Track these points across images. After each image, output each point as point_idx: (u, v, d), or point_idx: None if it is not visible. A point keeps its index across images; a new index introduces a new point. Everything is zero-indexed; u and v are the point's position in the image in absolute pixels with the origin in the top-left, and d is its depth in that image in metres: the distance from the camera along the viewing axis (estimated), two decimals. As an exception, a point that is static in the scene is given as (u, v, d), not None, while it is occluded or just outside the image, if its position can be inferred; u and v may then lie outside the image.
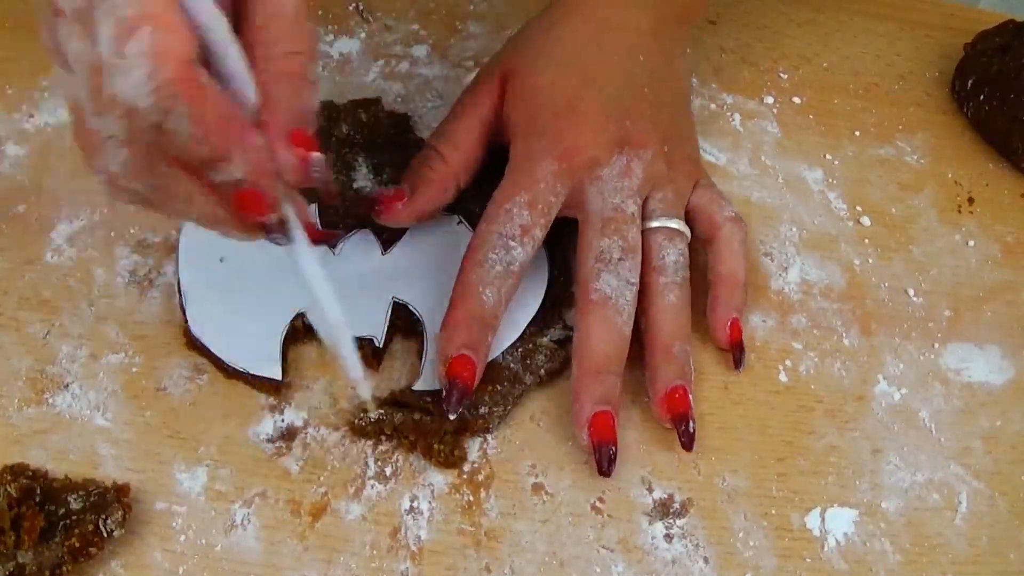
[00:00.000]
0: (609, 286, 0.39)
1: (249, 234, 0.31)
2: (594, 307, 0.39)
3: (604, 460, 0.37)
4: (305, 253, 0.32)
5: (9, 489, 0.33)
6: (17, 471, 0.34)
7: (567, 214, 0.41)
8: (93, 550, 0.33)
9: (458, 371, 0.37)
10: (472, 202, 0.44)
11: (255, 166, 0.29)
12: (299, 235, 0.31)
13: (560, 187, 0.40)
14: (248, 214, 0.30)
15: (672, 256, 0.41)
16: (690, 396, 0.39)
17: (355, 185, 0.44)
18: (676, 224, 0.42)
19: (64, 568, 0.33)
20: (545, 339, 0.41)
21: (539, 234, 0.39)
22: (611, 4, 0.44)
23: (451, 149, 0.42)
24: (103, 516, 0.33)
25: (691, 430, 0.39)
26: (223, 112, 0.28)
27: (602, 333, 0.39)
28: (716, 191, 0.45)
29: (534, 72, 0.42)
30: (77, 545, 0.33)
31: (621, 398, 0.39)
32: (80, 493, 0.34)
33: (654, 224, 0.41)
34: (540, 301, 0.42)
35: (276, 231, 0.31)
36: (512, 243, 0.39)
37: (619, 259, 0.39)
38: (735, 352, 0.42)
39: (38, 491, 0.33)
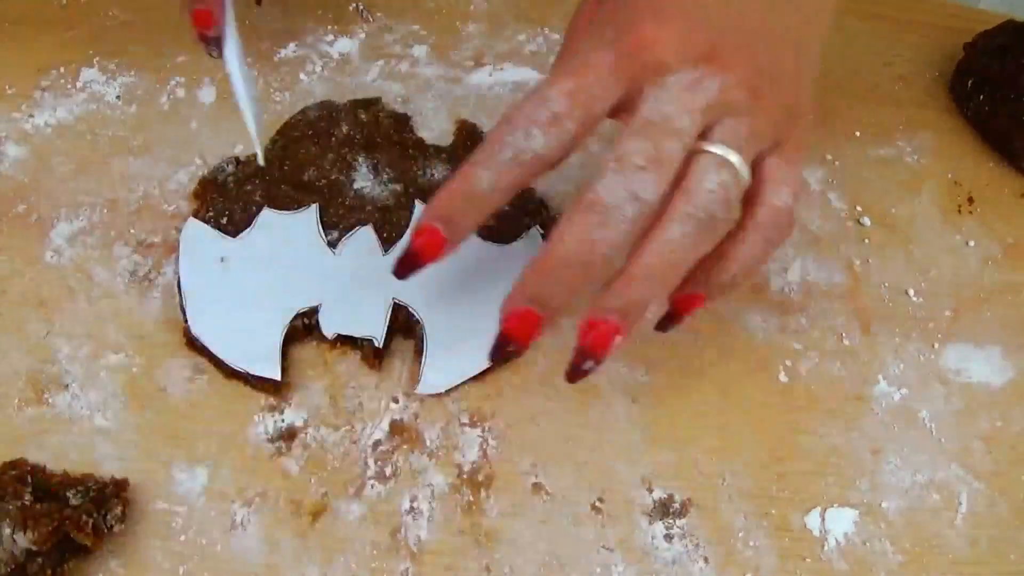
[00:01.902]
0: (611, 193, 0.33)
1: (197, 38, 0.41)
2: (584, 208, 0.33)
3: (501, 349, 0.34)
4: (232, 59, 0.42)
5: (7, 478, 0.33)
6: (16, 467, 0.34)
7: (616, 117, 0.36)
8: (92, 545, 0.33)
9: (423, 241, 0.34)
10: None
11: None
12: (231, 44, 0.42)
13: (613, 83, 0.34)
14: (196, 27, 0.40)
15: (710, 184, 0.34)
16: (614, 340, 0.34)
17: (355, 185, 0.44)
18: (733, 157, 0.35)
19: (65, 565, 0.33)
20: None
21: (571, 127, 0.34)
22: None
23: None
24: (103, 511, 0.34)
25: (584, 368, 0.34)
26: None
27: (576, 237, 0.33)
28: (792, 167, 0.38)
29: None
30: (77, 541, 0.33)
31: (563, 313, 0.34)
32: (79, 488, 0.34)
33: (707, 146, 0.35)
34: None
35: (212, 44, 0.41)
36: (535, 129, 0.34)
37: (638, 167, 0.33)
38: (668, 316, 0.37)
39: (29, 479, 0.33)
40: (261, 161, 0.43)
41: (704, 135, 0.35)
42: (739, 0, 0.37)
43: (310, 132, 0.46)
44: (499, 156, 0.34)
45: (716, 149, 0.35)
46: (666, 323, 0.38)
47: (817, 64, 0.40)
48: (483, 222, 0.35)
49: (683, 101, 0.34)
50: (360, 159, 0.45)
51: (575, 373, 0.34)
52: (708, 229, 0.34)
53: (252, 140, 0.42)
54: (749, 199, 0.37)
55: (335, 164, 0.45)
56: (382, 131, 0.47)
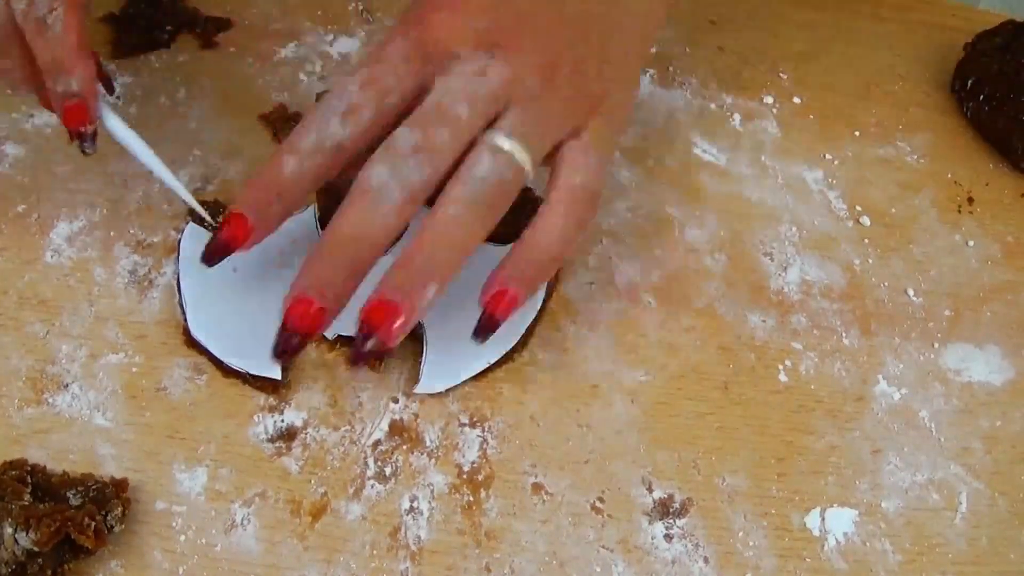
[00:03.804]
0: (379, 178, 0.34)
1: (70, 136, 0.38)
2: (355, 194, 0.34)
3: (285, 343, 0.34)
4: (120, 131, 0.39)
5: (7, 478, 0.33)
6: (16, 467, 0.34)
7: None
8: (93, 546, 0.33)
9: (230, 229, 0.34)
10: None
11: (88, 84, 0.37)
12: (110, 115, 0.39)
13: (405, 72, 0.35)
14: (70, 125, 0.38)
15: (481, 172, 0.35)
16: (396, 320, 0.33)
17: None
18: (508, 144, 0.35)
19: (66, 566, 0.33)
20: None
21: (367, 116, 0.35)
22: None
23: None
24: (103, 512, 0.34)
25: (366, 350, 0.33)
26: (83, 38, 0.36)
27: (348, 222, 0.34)
28: (591, 153, 0.37)
29: None
30: (78, 542, 0.33)
31: (344, 300, 0.34)
32: (79, 488, 0.34)
33: (485, 136, 0.35)
34: (540, 301, 0.42)
35: (87, 140, 0.38)
36: (333, 118, 0.35)
37: (405, 155, 0.34)
38: (483, 323, 0.36)
39: (29, 479, 0.33)
40: (207, 216, 0.41)
41: (492, 122, 0.35)
42: None
43: None
44: (302, 144, 0.35)
45: (494, 138, 0.35)
46: (480, 329, 0.36)
47: (640, 52, 0.41)
48: (293, 211, 0.35)
49: (465, 90, 0.35)
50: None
51: (357, 354, 0.34)
52: (480, 213, 0.35)
53: (187, 201, 0.40)
54: (549, 184, 0.37)
55: None
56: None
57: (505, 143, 0.35)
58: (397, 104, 0.36)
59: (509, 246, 0.43)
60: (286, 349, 0.34)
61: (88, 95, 0.37)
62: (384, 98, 0.35)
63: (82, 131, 0.38)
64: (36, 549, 0.32)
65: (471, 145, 0.35)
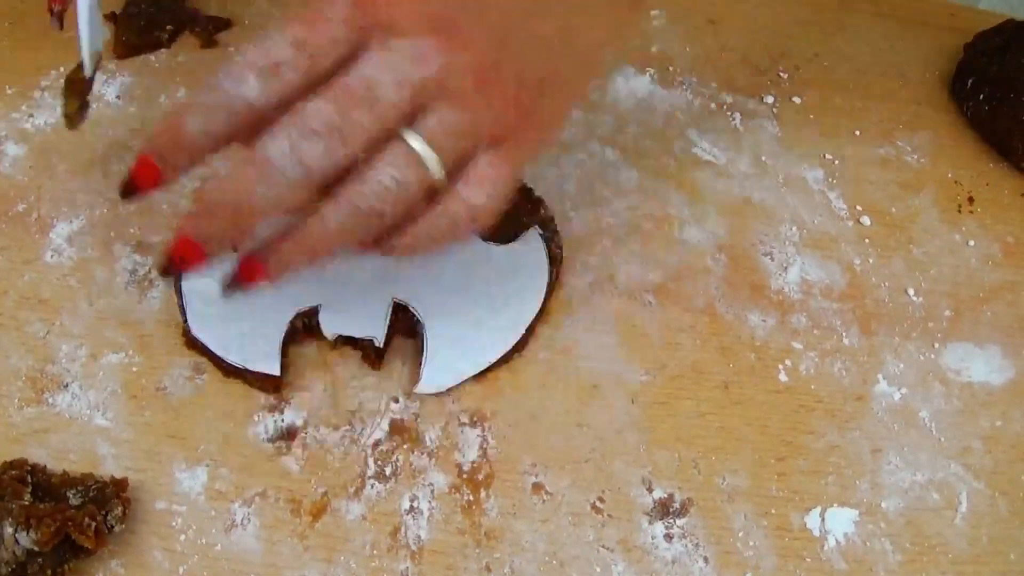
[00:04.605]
0: (279, 150, 0.32)
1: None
2: (250, 158, 0.32)
3: (168, 265, 0.33)
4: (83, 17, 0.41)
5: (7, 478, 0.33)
6: (16, 467, 0.34)
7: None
8: (94, 547, 0.33)
9: (138, 171, 0.33)
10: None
11: None
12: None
13: (341, 36, 0.33)
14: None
15: (386, 178, 0.33)
16: (258, 280, 0.33)
17: None
18: (424, 150, 0.33)
19: (66, 566, 0.33)
20: None
21: (289, 76, 0.32)
22: None
23: None
24: (103, 512, 0.34)
25: (232, 289, 0.34)
26: None
27: (233, 185, 0.32)
28: (503, 168, 0.35)
29: None
30: (78, 543, 0.33)
31: (222, 250, 0.34)
32: (79, 488, 0.34)
33: (404, 134, 0.33)
34: (540, 301, 0.42)
35: (55, 17, 0.41)
36: (250, 75, 0.32)
37: (312, 132, 0.32)
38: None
39: (29, 479, 0.33)
40: (88, 72, 0.41)
41: (413, 115, 0.33)
42: None
43: None
44: (209, 99, 0.32)
45: (414, 142, 0.33)
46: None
47: (581, 87, 0.39)
48: (199, 163, 0.34)
49: (398, 70, 0.33)
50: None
51: (228, 287, 0.34)
52: (367, 221, 0.33)
53: (82, 51, 0.41)
54: (450, 184, 0.34)
55: None
56: None
57: (420, 146, 0.33)
58: (326, 68, 0.33)
59: (509, 246, 0.43)
60: (172, 270, 0.34)
61: None
62: (315, 61, 0.33)
63: (51, 7, 0.40)
64: (36, 549, 0.32)
65: (385, 135, 0.33)
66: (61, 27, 0.41)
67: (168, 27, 0.50)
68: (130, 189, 0.34)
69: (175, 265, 0.34)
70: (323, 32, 0.33)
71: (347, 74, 0.33)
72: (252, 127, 0.33)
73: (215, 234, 0.33)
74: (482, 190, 0.34)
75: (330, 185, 0.33)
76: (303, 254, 0.34)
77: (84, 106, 0.42)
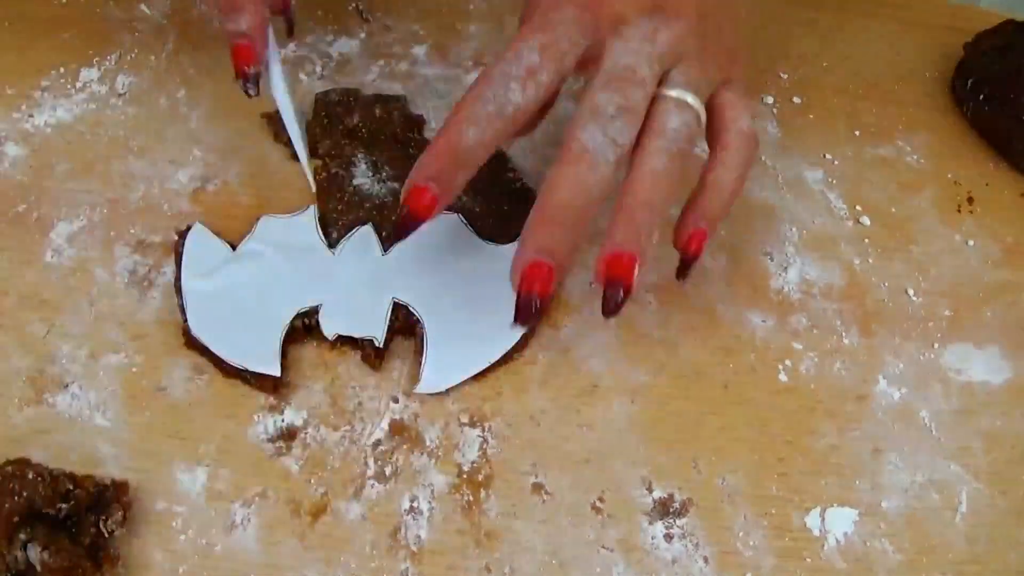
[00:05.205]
0: (593, 140, 0.36)
1: (235, 76, 0.41)
2: (570, 157, 0.36)
3: (525, 308, 0.35)
4: (278, 83, 0.43)
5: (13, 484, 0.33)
6: (17, 466, 0.34)
7: (581, 73, 0.39)
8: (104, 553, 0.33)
9: (416, 201, 0.36)
10: (473, 200, 0.44)
11: (258, 28, 0.41)
12: (276, 73, 0.43)
13: (578, 36, 0.38)
14: (237, 64, 0.41)
15: (674, 124, 0.38)
16: (636, 268, 0.36)
17: (354, 181, 0.44)
18: (690, 99, 0.39)
19: (78, 572, 0.33)
20: None
21: (545, 79, 0.37)
22: None
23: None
24: (103, 516, 0.34)
25: (618, 299, 0.36)
26: None
27: (569, 184, 0.36)
28: (744, 99, 0.41)
29: None
30: (88, 546, 0.33)
31: (572, 261, 0.37)
32: (78, 491, 0.34)
33: (666, 91, 0.38)
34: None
35: (249, 81, 0.41)
36: (513, 84, 0.36)
37: (612, 115, 0.37)
38: (684, 263, 0.40)
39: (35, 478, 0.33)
40: (313, 188, 0.44)
41: (662, 80, 0.39)
42: None
43: (323, 114, 0.47)
44: (482, 110, 0.36)
45: (675, 92, 0.38)
46: (683, 269, 0.40)
47: (750, 17, 0.45)
48: (472, 176, 0.37)
49: (642, 51, 0.38)
50: (360, 154, 0.45)
51: (610, 305, 0.36)
52: (679, 160, 0.38)
53: (304, 169, 0.44)
54: (715, 130, 0.40)
55: (333, 154, 0.45)
56: (391, 129, 0.47)
57: (686, 95, 0.38)
58: (570, 67, 0.38)
59: (509, 245, 0.43)
60: (528, 313, 0.35)
61: (256, 38, 0.41)
62: (561, 61, 0.37)
63: (245, 71, 0.41)
64: (38, 568, 0.32)
65: (651, 100, 0.38)
66: (257, 93, 0.42)
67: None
68: (408, 223, 0.36)
69: (530, 307, 0.35)
70: (561, 36, 0.37)
71: (604, 66, 0.38)
72: (516, 130, 0.38)
73: (563, 240, 0.36)
74: (743, 115, 0.40)
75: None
76: (651, 213, 0.37)
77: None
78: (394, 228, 0.37)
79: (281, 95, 0.43)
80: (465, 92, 0.37)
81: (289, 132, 0.44)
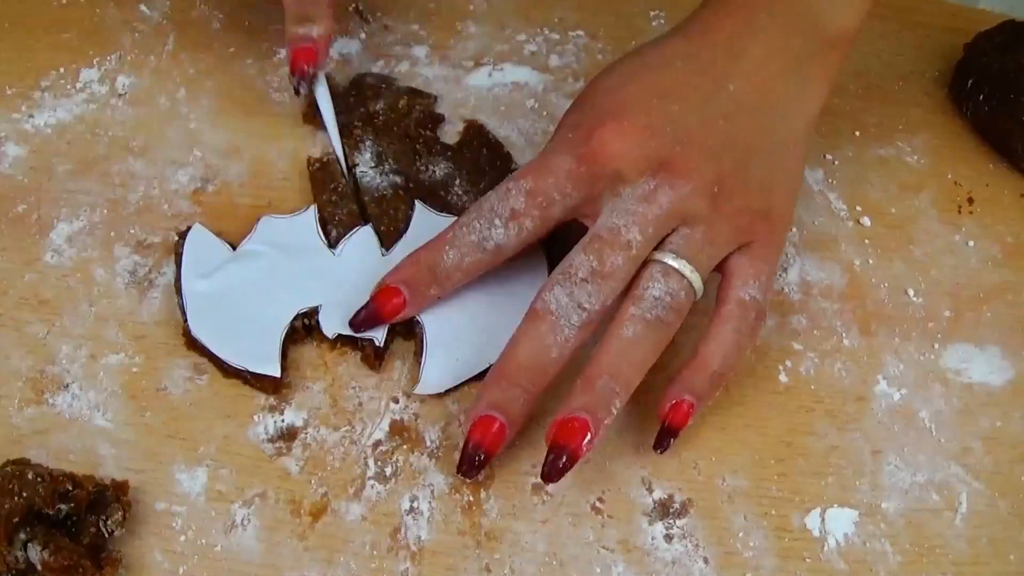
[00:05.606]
0: (557, 302, 0.36)
1: (290, 73, 0.44)
2: (533, 317, 0.37)
3: (469, 460, 0.36)
4: (323, 95, 0.45)
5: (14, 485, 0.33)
6: (17, 466, 0.34)
7: (582, 220, 0.39)
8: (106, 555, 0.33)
9: (384, 302, 0.38)
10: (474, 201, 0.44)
11: (325, 37, 0.43)
12: (322, 85, 0.45)
13: (571, 189, 0.37)
14: (298, 62, 0.43)
15: (655, 291, 0.37)
16: (586, 435, 0.35)
17: (357, 170, 0.45)
18: (679, 264, 0.37)
19: (78, 572, 0.33)
20: None
21: (529, 225, 0.37)
22: (723, 29, 0.39)
23: None
24: (103, 517, 0.34)
25: (560, 465, 0.35)
26: None
27: (527, 345, 0.36)
28: (757, 264, 0.39)
29: (605, 74, 0.40)
30: (89, 547, 0.33)
31: (525, 418, 0.37)
32: (78, 491, 0.34)
33: (657, 256, 0.38)
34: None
35: (305, 80, 0.44)
36: (497, 221, 0.37)
37: (582, 279, 0.36)
38: (662, 432, 0.38)
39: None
40: (348, 189, 0.45)
41: (661, 243, 0.38)
42: (704, 107, 0.38)
43: (353, 93, 0.47)
44: (466, 238, 0.37)
45: (665, 258, 0.37)
46: (661, 439, 0.38)
47: (801, 147, 0.41)
48: (443, 297, 0.39)
49: (635, 213, 0.37)
50: (367, 143, 0.45)
51: (552, 470, 0.35)
52: (656, 330, 0.37)
53: (342, 169, 0.45)
54: (719, 297, 0.39)
55: (342, 136, 0.45)
56: (405, 122, 0.47)
57: (675, 263, 0.37)
58: (558, 217, 0.38)
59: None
60: (471, 464, 0.36)
61: (322, 48, 0.43)
62: (547, 210, 0.37)
63: (304, 70, 0.43)
64: (39, 568, 0.32)
65: (640, 265, 0.37)
66: (308, 92, 0.44)
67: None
68: (370, 319, 0.38)
69: (475, 460, 0.36)
70: (552, 185, 0.37)
71: (592, 227, 0.38)
72: (496, 264, 0.38)
73: (517, 399, 0.36)
74: (749, 283, 0.39)
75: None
76: (613, 383, 0.36)
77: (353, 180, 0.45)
78: (356, 318, 0.38)
79: (325, 103, 0.45)
80: (463, 214, 0.38)
81: (332, 142, 0.45)
